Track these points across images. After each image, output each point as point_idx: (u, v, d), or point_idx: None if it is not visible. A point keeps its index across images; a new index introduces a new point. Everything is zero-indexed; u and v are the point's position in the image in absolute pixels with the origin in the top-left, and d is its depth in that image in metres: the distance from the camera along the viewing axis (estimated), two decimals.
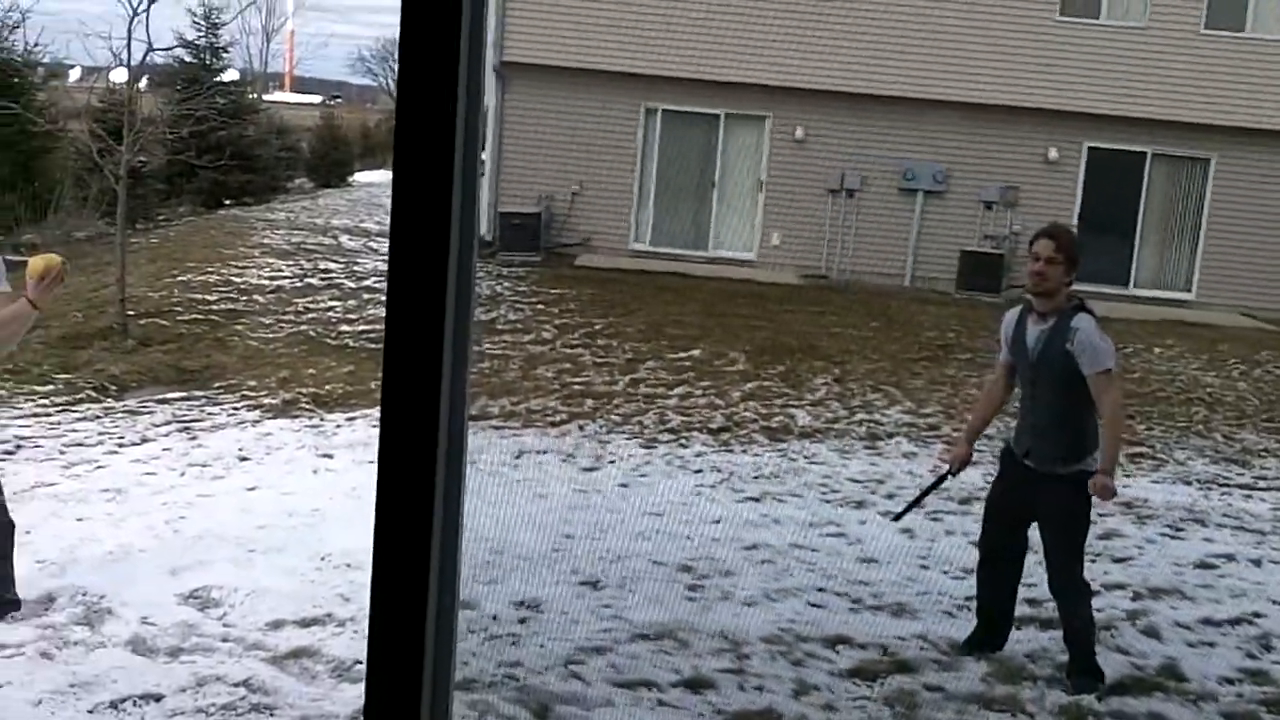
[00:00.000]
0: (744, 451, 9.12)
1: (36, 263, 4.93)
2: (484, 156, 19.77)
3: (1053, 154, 19.91)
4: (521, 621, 5.64)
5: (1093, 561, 6.99)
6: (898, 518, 6.38)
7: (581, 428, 9.45)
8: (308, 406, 9.85)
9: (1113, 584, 6.60)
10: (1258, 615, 6.09)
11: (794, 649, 5.38)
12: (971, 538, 7.30)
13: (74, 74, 29.05)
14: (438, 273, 1.24)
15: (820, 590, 6.23)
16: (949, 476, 5.66)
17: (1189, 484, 9.08)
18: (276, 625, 5.34)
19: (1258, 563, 7.18)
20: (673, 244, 20.43)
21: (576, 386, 10.76)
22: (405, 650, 1.27)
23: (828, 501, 7.96)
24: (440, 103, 1.22)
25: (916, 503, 5.97)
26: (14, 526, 5.21)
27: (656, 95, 20.15)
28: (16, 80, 21.10)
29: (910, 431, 10.04)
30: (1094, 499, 5.02)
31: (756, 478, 8.43)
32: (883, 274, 20.03)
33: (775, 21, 19.82)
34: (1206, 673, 5.39)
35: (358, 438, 8.75)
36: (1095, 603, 6.20)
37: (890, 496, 8.10)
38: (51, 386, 10.22)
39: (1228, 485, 9.12)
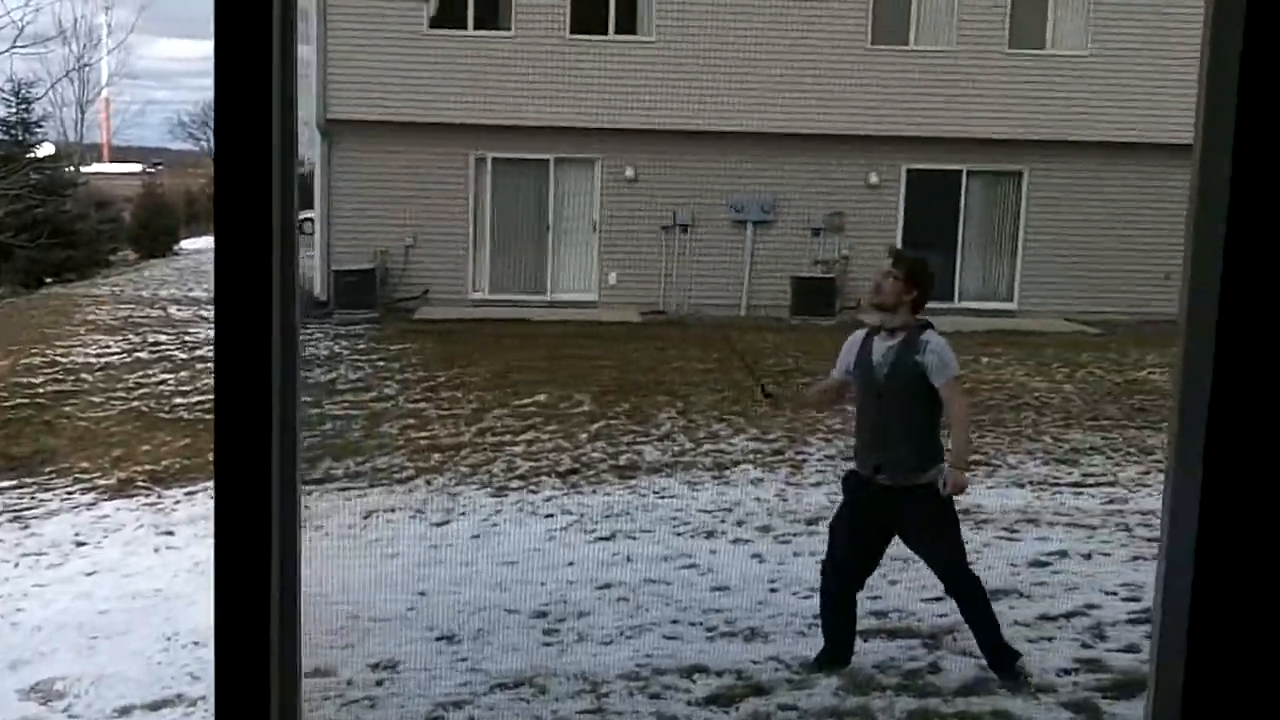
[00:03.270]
0: (594, 492, 9.19)
1: None
2: (313, 215, 19.58)
3: (873, 178, 20.54)
4: (379, 683, 5.60)
5: None
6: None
7: (429, 482, 9.41)
8: (145, 484, 9.61)
9: None
10: (1090, 606, 6.36)
11: (652, 683, 5.45)
12: (819, 558, 7.48)
13: None
14: (261, 336, 1.27)
15: (675, 622, 6.31)
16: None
17: (1022, 486, 9.43)
18: (125, 711, 5.21)
19: (1088, 556, 7.49)
20: (512, 290, 20.46)
21: (422, 441, 10.70)
22: None
23: (679, 534, 8.07)
24: (255, 164, 1.25)
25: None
26: None
27: (485, 144, 20.22)
28: None
29: (756, 458, 10.23)
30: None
31: (608, 516, 8.50)
32: (720, 305, 20.36)
33: (598, 65, 20.10)
34: (1046, 666, 5.61)
35: (198, 512, 8.56)
36: (940, 608, 6.44)
37: (740, 524, 8.25)
38: None
39: (1058, 485, 9.50)
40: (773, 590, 6.83)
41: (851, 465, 5.67)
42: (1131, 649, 5.82)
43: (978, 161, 20.66)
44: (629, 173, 20.33)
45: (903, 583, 6.94)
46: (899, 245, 20.38)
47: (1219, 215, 1.17)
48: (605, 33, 20.31)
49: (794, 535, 7.97)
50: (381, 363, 14.67)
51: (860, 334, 5.51)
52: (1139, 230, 20.58)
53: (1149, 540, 7.84)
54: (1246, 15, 1.12)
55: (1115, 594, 6.59)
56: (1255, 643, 1.18)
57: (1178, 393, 1.24)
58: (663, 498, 9.03)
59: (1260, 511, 1.17)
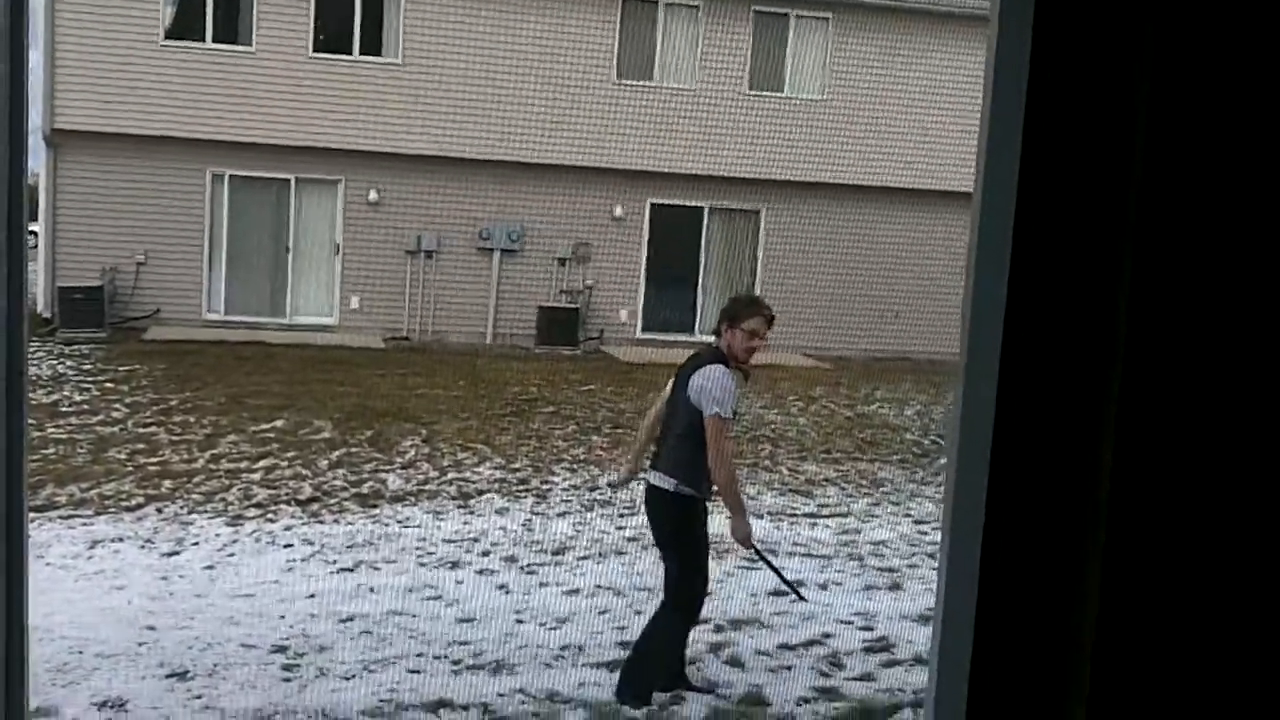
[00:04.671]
0: (336, 521, 8.96)
1: None
2: (36, 228, 18.48)
3: (619, 211, 20.86)
4: None
5: None
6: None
7: (160, 510, 8.98)
8: None
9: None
10: (827, 636, 6.59)
11: (396, 719, 5.34)
12: (565, 587, 7.51)
13: None
14: None
15: (420, 655, 6.21)
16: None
17: (761, 517, 9.68)
18: None
19: (824, 586, 7.76)
20: (249, 312, 19.81)
21: (152, 467, 10.21)
22: None
23: (424, 564, 7.95)
24: None
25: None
26: None
27: (223, 160, 19.56)
28: None
29: (502, 488, 10.19)
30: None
31: (350, 547, 8.30)
32: (465, 333, 20.26)
33: (342, 85, 19.75)
34: (786, 695, 5.77)
35: None
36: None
37: (485, 554, 8.19)
38: None
39: (795, 515, 9.82)
40: (519, 622, 6.80)
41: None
42: (867, 678, 6.05)
43: (718, 198, 21.25)
44: (373, 196, 20.01)
45: (648, 613, 7.04)
46: (642, 279, 20.78)
47: (999, 263, 1.22)
48: (350, 53, 19.98)
49: (540, 565, 7.97)
50: (110, 384, 13.94)
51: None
52: (869, 270, 21.58)
53: (879, 570, 8.20)
54: (1030, 61, 1.18)
55: (850, 623, 6.85)
56: (1034, 692, 1.24)
57: (956, 435, 1.30)
58: (406, 527, 8.88)
59: (1039, 556, 1.23)
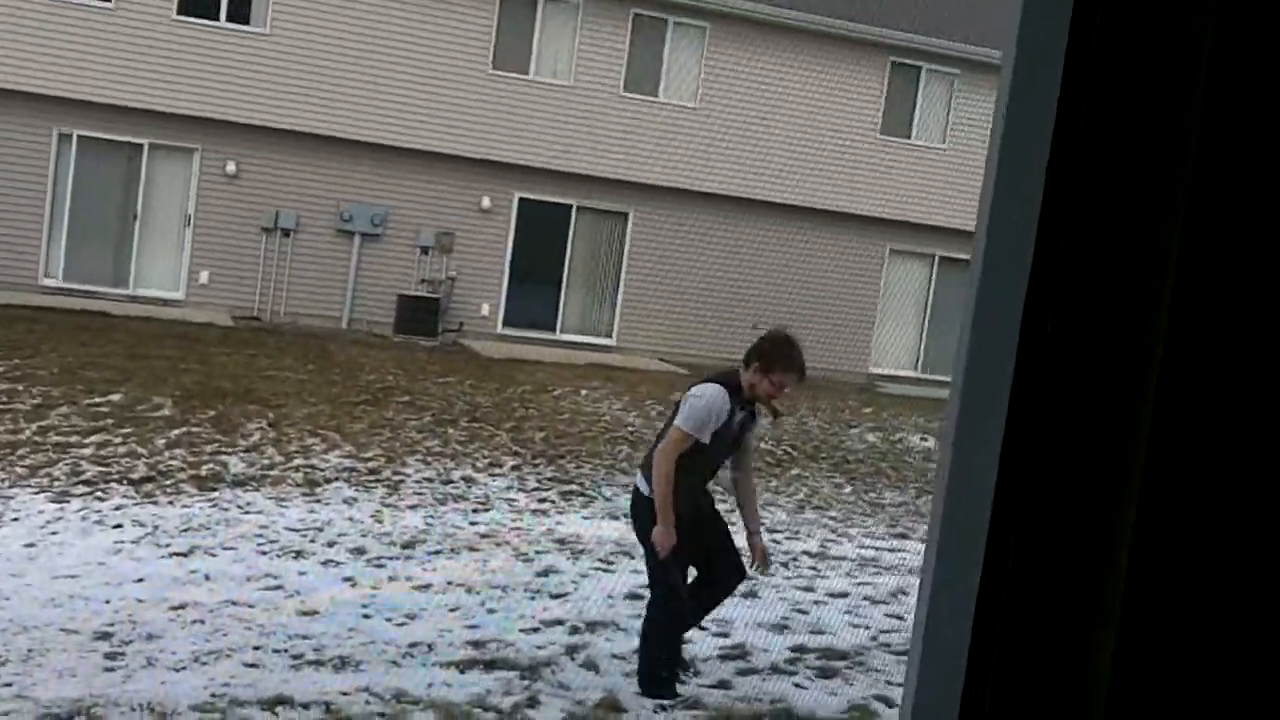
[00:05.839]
0: (171, 503, 8.46)
1: None
2: None
3: (486, 202, 20.50)
4: None
5: (532, 598, 7.11)
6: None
7: None
8: None
9: (552, 620, 6.70)
10: (682, 641, 6.38)
11: (229, 715, 4.97)
12: (415, 582, 7.18)
13: None
14: None
15: (257, 648, 5.83)
16: None
17: (617, 519, 9.48)
18: None
19: None
20: (90, 280, 18.93)
21: None
22: None
23: (264, 553, 7.53)
24: None
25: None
26: None
27: (71, 120, 18.66)
28: None
29: (351, 476, 9.79)
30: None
31: (185, 530, 7.83)
32: (320, 316, 19.67)
33: (206, 51, 19.02)
34: (643, 702, 5.56)
35: None
36: (537, 639, 6.31)
37: (331, 544, 7.81)
38: None
39: None
40: (366, 617, 6.46)
41: None
42: (723, 685, 5.87)
43: (587, 198, 21.05)
44: (230, 168, 19.31)
45: (501, 612, 6.77)
46: (506, 273, 20.46)
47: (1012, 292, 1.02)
48: (217, 18, 19.26)
49: (389, 559, 7.62)
50: None
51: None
52: (731, 280, 21.61)
53: None
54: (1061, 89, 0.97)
55: (706, 629, 6.65)
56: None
57: (952, 443, 1.08)
58: (248, 513, 8.43)
59: (1053, 585, 1.01)
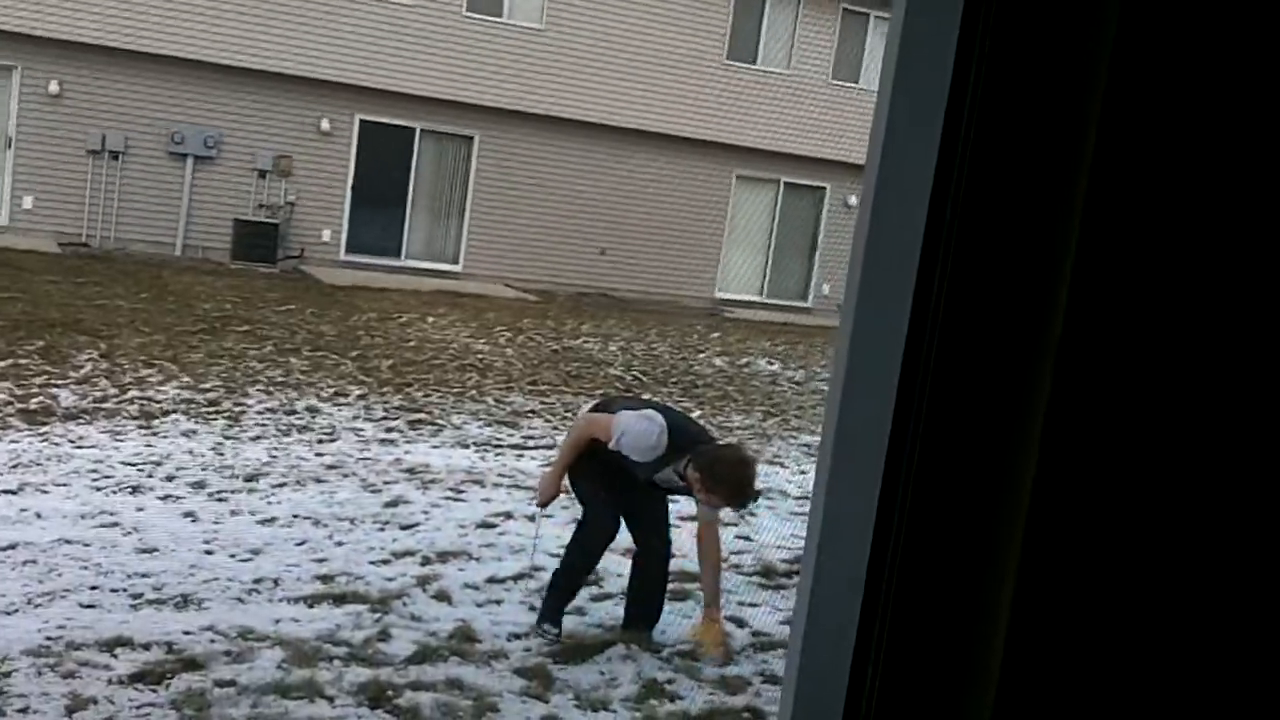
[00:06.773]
0: None
1: None
2: None
3: (325, 125, 19.92)
4: None
5: (381, 529, 7.00)
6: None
7: None
8: None
9: (403, 551, 6.61)
10: (536, 569, 6.36)
11: (65, 659, 4.78)
12: (259, 516, 7.00)
13: None
14: None
15: (94, 589, 5.62)
16: None
17: (467, 447, 9.40)
18: None
19: (532, 518, 7.53)
20: None
21: None
22: None
23: (99, 489, 7.25)
24: None
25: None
26: None
27: None
28: None
29: (189, 408, 9.49)
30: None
31: (15, 467, 7.50)
32: (152, 242, 18.96)
33: None
34: (497, 631, 5.53)
35: None
36: (388, 571, 6.22)
37: (170, 479, 7.56)
38: None
39: (501, 446, 9.56)
40: (208, 553, 6.27)
41: None
42: (580, 611, 5.87)
43: (431, 121, 20.63)
44: (53, 87, 18.37)
45: (349, 544, 6.65)
46: (348, 198, 19.99)
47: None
48: None
49: (232, 493, 7.41)
50: None
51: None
52: (579, 205, 21.48)
53: None
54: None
55: (558, 556, 6.64)
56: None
57: (837, 410, 1.04)
58: (80, 448, 8.11)
59: (945, 568, 0.98)
